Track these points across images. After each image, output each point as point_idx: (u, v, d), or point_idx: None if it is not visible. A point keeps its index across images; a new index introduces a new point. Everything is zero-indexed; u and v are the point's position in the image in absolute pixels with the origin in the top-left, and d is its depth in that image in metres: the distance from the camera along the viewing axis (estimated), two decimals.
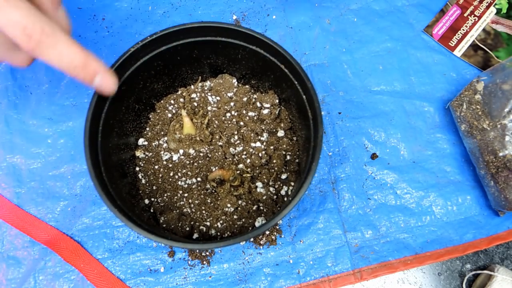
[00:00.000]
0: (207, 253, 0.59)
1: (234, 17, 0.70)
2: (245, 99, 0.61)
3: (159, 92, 0.61)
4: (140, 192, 0.59)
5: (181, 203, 0.58)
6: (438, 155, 0.64)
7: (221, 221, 0.57)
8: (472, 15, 0.70)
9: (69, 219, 0.61)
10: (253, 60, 0.56)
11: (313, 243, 0.60)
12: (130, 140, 0.59)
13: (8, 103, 0.66)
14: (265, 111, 0.60)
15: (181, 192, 0.58)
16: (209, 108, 0.61)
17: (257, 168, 0.59)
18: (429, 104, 0.66)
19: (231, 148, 0.60)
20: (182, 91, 0.62)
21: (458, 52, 0.68)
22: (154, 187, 0.59)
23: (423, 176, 0.63)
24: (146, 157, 0.60)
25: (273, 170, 0.59)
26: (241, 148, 0.60)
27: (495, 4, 0.70)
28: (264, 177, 0.58)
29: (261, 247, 0.60)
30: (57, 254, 0.59)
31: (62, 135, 0.65)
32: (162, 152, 0.60)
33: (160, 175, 0.59)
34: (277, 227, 0.60)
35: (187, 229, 0.57)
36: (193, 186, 0.58)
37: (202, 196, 0.58)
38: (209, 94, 0.62)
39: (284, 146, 0.60)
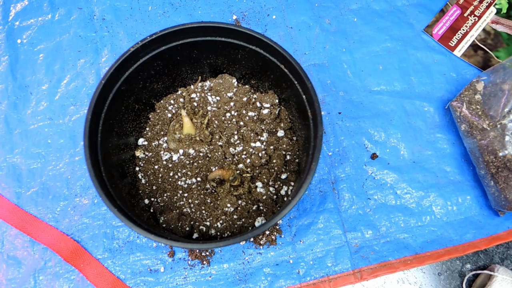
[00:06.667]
0: (207, 253, 0.59)
1: (234, 17, 0.70)
2: (245, 99, 0.61)
3: (159, 92, 0.61)
4: (140, 192, 0.59)
5: (181, 203, 0.58)
6: (438, 155, 0.64)
7: (221, 221, 0.57)
8: (472, 15, 0.69)
9: (69, 219, 0.61)
10: (253, 60, 0.56)
11: (313, 243, 0.60)
12: (130, 140, 0.59)
13: (8, 103, 0.66)
14: (265, 111, 0.60)
15: (181, 192, 0.58)
16: (209, 108, 0.61)
17: (257, 168, 0.59)
18: (429, 104, 0.66)
19: (231, 148, 0.60)
20: (182, 91, 0.62)
21: (458, 52, 0.68)
22: (154, 187, 0.59)
23: (423, 176, 0.63)
24: (146, 157, 0.60)
25: (273, 170, 0.59)
26: (241, 148, 0.60)
27: (495, 4, 0.70)
28: (264, 177, 0.58)
29: (261, 247, 0.60)
30: (57, 254, 0.59)
31: (62, 135, 0.65)
32: (162, 152, 0.60)
33: (160, 175, 0.59)
34: (277, 227, 0.60)
35: (187, 229, 0.57)
36: (193, 186, 0.58)
37: (202, 196, 0.58)
38: (209, 94, 0.62)
39: (284, 146, 0.60)
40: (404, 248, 0.60)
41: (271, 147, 0.60)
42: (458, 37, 0.69)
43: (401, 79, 0.67)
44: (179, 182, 0.59)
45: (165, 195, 0.58)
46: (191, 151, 0.59)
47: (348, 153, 0.64)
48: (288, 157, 0.60)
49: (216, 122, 0.61)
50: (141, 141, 0.61)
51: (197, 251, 0.59)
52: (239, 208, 0.57)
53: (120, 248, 0.60)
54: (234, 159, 0.59)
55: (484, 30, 0.69)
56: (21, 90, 0.67)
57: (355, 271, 0.59)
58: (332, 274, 0.59)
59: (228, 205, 0.57)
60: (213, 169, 0.59)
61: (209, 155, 0.59)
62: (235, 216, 0.57)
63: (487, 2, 0.70)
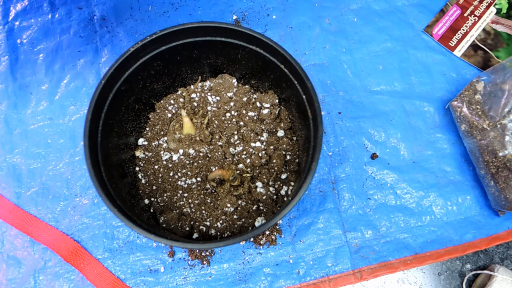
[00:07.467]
0: (207, 253, 0.59)
1: (234, 17, 0.70)
2: (245, 99, 0.61)
3: (159, 92, 0.61)
4: (140, 192, 0.59)
5: (181, 203, 0.58)
6: (438, 155, 0.64)
7: (221, 221, 0.57)
8: (472, 15, 0.69)
9: (69, 219, 0.61)
10: (253, 60, 0.56)
11: (313, 243, 0.60)
12: (130, 140, 0.59)
13: (8, 103, 0.66)
14: (265, 111, 0.60)
15: (181, 192, 0.58)
16: (209, 108, 0.61)
17: (257, 168, 0.59)
18: (429, 104, 0.66)
19: (231, 148, 0.60)
20: (182, 91, 0.62)
21: (458, 52, 0.68)
22: (154, 187, 0.59)
23: (423, 176, 0.63)
24: (146, 157, 0.60)
25: (273, 170, 0.59)
26: (241, 148, 0.60)
27: (495, 4, 0.70)
28: (264, 177, 0.58)
29: (261, 247, 0.60)
30: (57, 254, 0.59)
31: (62, 135, 0.65)
32: (162, 152, 0.60)
33: (160, 175, 0.59)
34: (277, 227, 0.60)
35: (187, 229, 0.57)
36: (193, 186, 0.59)
37: (202, 196, 0.58)
38: (209, 94, 0.62)
39: (284, 146, 0.60)
40: (404, 248, 0.60)
41: (271, 147, 0.60)
42: (458, 37, 0.69)
43: (401, 79, 0.67)
44: (179, 182, 0.59)
45: (165, 195, 0.58)
46: (191, 151, 0.59)
47: (348, 153, 0.64)
48: (288, 157, 0.60)
49: (216, 122, 0.61)
50: (141, 141, 0.61)
51: (197, 251, 0.59)
52: (239, 208, 0.57)
53: (120, 248, 0.60)
54: (234, 159, 0.59)
55: (484, 30, 0.69)
56: (21, 90, 0.67)
57: (355, 271, 0.59)
58: (332, 274, 0.59)
59: (228, 205, 0.57)
60: (213, 169, 0.59)
61: (209, 155, 0.59)
62: (235, 216, 0.57)
63: (487, 2, 0.70)
